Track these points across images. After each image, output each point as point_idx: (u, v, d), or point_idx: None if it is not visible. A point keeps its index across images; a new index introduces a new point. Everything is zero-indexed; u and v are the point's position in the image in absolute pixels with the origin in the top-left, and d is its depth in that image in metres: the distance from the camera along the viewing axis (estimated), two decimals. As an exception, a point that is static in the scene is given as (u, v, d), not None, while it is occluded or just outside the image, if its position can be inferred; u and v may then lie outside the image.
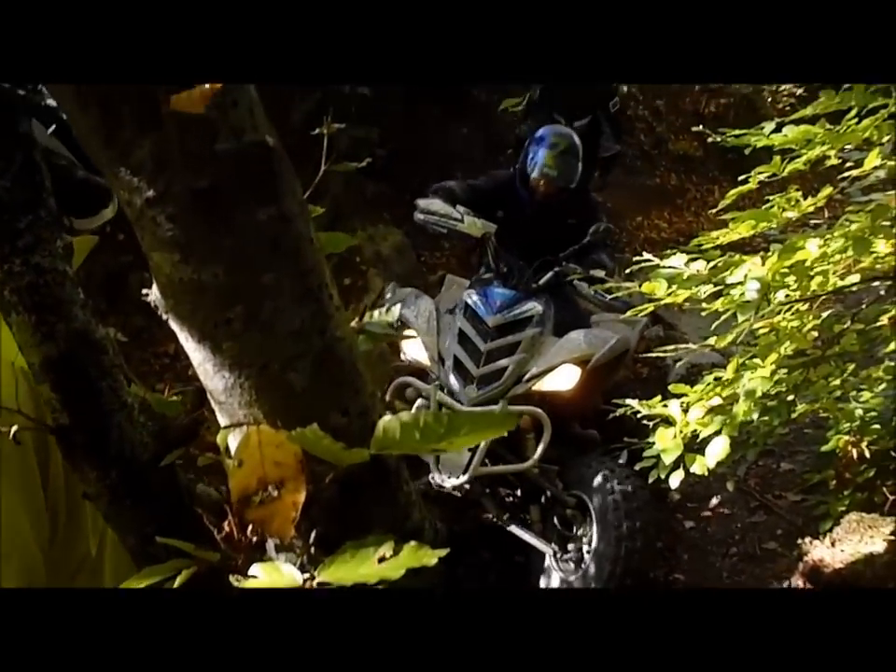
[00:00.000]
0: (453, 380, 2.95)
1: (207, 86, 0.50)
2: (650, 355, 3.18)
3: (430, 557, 0.56)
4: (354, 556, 0.58)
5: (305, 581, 0.56)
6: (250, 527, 0.70)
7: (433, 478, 2.76)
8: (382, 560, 0.57)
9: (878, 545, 2.25)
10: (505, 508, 3.07)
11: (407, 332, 3.06)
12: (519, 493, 3.14)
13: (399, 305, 0.78)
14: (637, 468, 2.51)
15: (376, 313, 0.79)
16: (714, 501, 3.77)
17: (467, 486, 2.81)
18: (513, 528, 3.00)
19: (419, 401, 2.96)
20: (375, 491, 0.69)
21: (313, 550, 0.63)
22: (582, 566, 2.83)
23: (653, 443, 2.33)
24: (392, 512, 0.68)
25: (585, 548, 2.87)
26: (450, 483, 2.77)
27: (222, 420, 0.67)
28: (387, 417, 0.58)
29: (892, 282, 2.25)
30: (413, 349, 3.10)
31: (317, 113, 0.95)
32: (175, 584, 0.65)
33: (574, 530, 2.95)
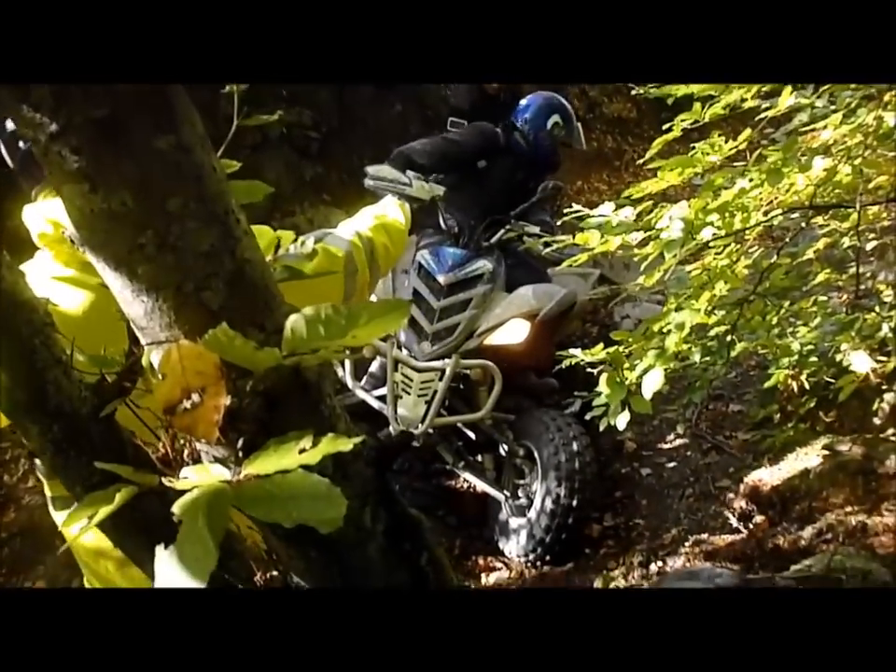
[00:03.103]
0: (408, 337, 3.06)
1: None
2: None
3: (346, 444, 0.62)
4: (277, 451, 0.63)
5: (232, 476, 0.61)
6: (183, 446, 0.74)
7: (392, 430, 2.85)
8: (302, 451, 0.62)
9: (813, 460, 2.37)
10: (460, 456, 3.21)
11: None
12: (473, 443, 3.30)
13: (312, 237, 0.83)
14: (587, 417, 2.60)
15: (291, 246, 0.84)
16: (668, 447, 3.89)
17: (428, 433, 2.94)
18: (468, 475, 3.17)
19: (377, 359, 3.08)
20: (298, 402, 0.74)
21: (241, 454, 0.67)
22: (530, 512, 2.98)
23: (601, 392, 2.40)
24: (316, 424, 0.73)
25: (532, 495, 3.02)
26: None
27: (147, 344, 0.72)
28: (293, 316, 0.63)
29: (810, 212, 2.35)
30: None
31: (247, 101, 0.99)
32: (114, 505, 0.69)
33: (524, 478, 3.09)
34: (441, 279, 3.14)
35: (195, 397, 0.62)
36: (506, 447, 3.19)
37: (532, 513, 2.99)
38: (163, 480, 0.63)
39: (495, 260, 3.25)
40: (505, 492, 3.13)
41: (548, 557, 3.00)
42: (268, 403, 0.70)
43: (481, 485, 3.22)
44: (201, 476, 0.62)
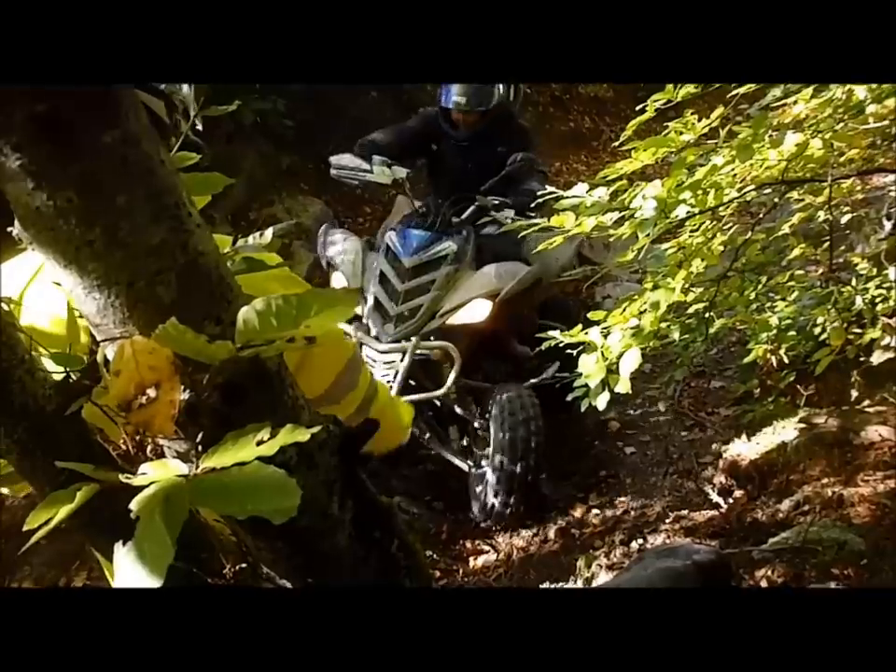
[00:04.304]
0: (373, 318, 3.12)
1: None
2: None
3: (304, 435, 0.61)
4: (235, 444, 0.62)
5: (190, 470, 0.61)
6: (144, 441, 0.74)
7: None
8: (260, 443, 0.62)
9: (790, 433, 2.39)
10: (429, 426, 3.31)
11: (334, 274, 3.25)
12: (443, 415, 3.38)
13: (271, 229, 0.82)
14: (568, 398, 2.62)
15: (251, 238, 0.83)
16: (651, 425, 3.92)
17: None
18: (434, 446, 3.26)
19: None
20: (259, 394, 0.73)
21: (200, 448, 0.67)
22: (486, 482, 3.08)
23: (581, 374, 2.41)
24: (278, 415, 0.73)
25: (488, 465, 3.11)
26: None
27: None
28: (244, 308, 0.63)
29: (784, 187, 2.36)
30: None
31: (218, 89, 0.98)
32: (74, 503, 0.69)
33: (485, 448, 3.18)
34: (406, 262, 3.17)
35: (150, 392, 0.62)
36: (469, 420, 3.25)
37: (489, 478, 3.09)
38: (121, 476, 0.62)
39: (462, 239, 3.26)
40: (468, 462, 3.20)
41: (501, 521, 3.13)
42: (227, 396, 0.69)
43: (446, 456, 3.29)
44: (158, 471, 0.61)
